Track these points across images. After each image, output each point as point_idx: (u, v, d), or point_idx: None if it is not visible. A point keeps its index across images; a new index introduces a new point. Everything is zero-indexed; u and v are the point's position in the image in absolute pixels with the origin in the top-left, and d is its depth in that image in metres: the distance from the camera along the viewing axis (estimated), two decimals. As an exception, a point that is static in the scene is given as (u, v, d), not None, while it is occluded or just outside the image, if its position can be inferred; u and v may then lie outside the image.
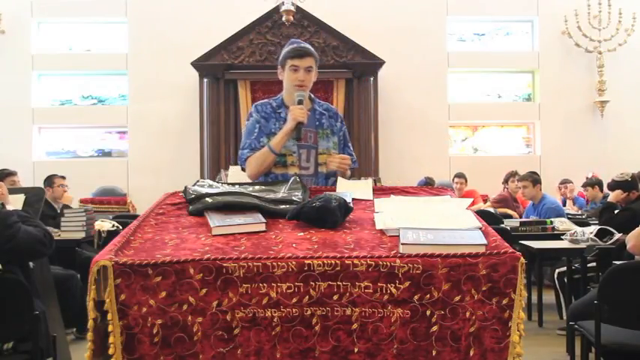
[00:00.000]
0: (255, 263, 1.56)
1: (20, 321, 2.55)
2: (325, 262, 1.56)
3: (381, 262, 1.56)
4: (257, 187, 2.20)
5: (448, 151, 8.96)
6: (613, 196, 4.93)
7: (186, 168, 8.29)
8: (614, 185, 4.88)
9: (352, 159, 2.81)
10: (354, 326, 1.56)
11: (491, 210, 6.46)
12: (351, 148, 2.94)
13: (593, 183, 7.20)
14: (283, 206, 1.98)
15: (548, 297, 5.24)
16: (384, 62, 8.04)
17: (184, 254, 1.60)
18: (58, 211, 5.48)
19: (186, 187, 2.14)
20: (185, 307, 1.54)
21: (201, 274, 1.55)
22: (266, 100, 2.88)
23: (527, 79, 9.38)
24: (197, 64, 8.13)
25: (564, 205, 7.49)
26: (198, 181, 2.29)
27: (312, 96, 2.91)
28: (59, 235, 4.85)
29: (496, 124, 9.34)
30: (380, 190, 2.36)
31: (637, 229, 3.11)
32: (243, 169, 2.83)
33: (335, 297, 1.56)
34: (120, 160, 9.02)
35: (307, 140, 2.78)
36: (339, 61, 8.09)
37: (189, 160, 8.43)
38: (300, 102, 2.71)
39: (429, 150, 8.70)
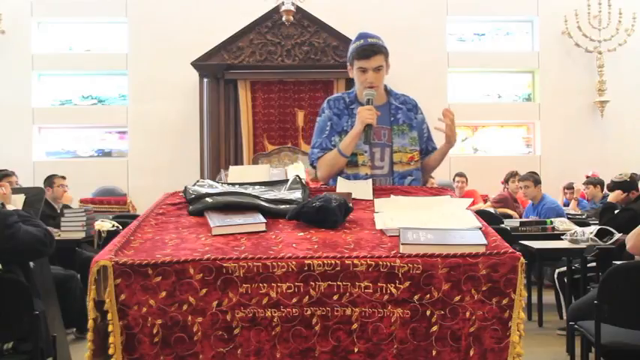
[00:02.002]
0: (255, 263, 1.56)
1: (20, 321, 2.55)
2: (325, 262, 1.56)
3: (381, 262, 1.56)
4: (257, 187, 2.20)
5: (448, 151, 8.95)
6: (613, 196, 4.93)
7: (186, 168, 8.29)
8: (613, 186, 4.88)
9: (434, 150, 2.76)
10: (354, 326, 1.56)
11: (491, 210, 6.46)
12: (434, 143, 2.81)
13: (595, 182, 7.19)
14: (283, 206, 1.98)
15: (548, 297, 5.24)
16: (384, 62, 8.03)
17: (184, 254, 1.60)
18: (58, 211, 5.48)
19: (186, 187, 2.14)
20: (185, 307, 1.54)
21: (201, 274, 1.55)
22: (339, 95, 2.75)
23: (527, 79, 9.38)
24: (197, 64, 8.13)
25: (568, 206, 7.49)
26: (198, 181, 2.29)
27: (389, 88, 2.75)
28: (59, 235, 4.84)
29: (496, 124, 9.33)
30: (380, 190, 2.35)
31: (636, 229, 3.11)
32: (313, 167, 2.72)
33: (335, 297, 1.56)
34: (120, 160, 9.02)
35: (381, 138, 2.64)
36: (339, 61, 8.08)
37: (189, 160, 8.43)
38: (368, 102, 2.55)
39: (429, 150, 8.68)
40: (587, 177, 7.63)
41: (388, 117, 2.67)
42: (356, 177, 2.58)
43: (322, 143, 2.65)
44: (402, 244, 1.61)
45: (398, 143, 2.64)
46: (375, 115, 2.51)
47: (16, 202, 3.28)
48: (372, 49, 2.58)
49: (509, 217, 6.38)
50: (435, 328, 1.56)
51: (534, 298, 5.08)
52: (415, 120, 2.71)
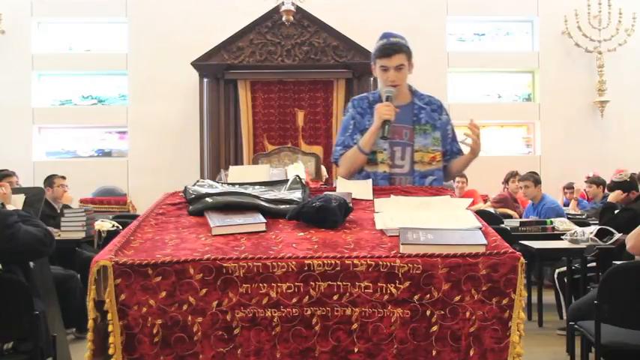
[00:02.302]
0: (255, 263, 1.56)
1: (20, 321, 2.55)
2: (325, 262, 1.56)
3: (381, 262, 1.56)
4: (257, 187, 2.20)
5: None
6: (613, 196, 4.93)
7: (186, 168, 8.29)
8: (613, 186, 4.89)
9: (459, 154, 2.75)
10: (354, 326, 1.56)
11: (491, 210, 6.46)
12: (458, 144, 2.80)
13: (597, 182, 7.19)
14: (283, 206, 1.98)
15: (548, 297, 5.24)
16: (384, 62, 8.02)
17: (184, 254, 1.60)
18: (58, 211, 5.48)
19: (186, 187, 2.14)
20: (185, 307, 1.54)
21: (201, 274, 1.55)
22: (364, 94, 2.79)
23: (527, 79, 9.38)
24: (197, 64, 8.13)
25: (568, 206, 7.48)
26: (198, 181, 2.29)
27: (414, 88, 2.78)
28: (59, 235, 4.84)
29: (496, 124, 9.33)
30: (380, 190, 2.35)
31: (636, 229, 3.11)
32: (336, 164, 2.78)
33: (335, 297, 1.56)
34: (120, 160, 9.02)
35: (403, 137, 2.67)
36: (339, 61, 8.09)
37: (189, 160, 8.43)
38: (388, 99, 2.59)
39: (429, 150, 8.68)
40: (588, 177, 7.62)
41: (411, 116, 2.69)
42: (375, 175, 2.62)
43: (345, 141, 2.70)
44: (402, 244, 1.61)
45: (419, 143, 2.67)
46: (392, 112, 2.55)
47: (16, 202, 3.29)
48: (393, 48, 2.64)
49: (509, 217, 6.38)
50: (435, 328, 1.56)
51: (534, 298, 5.08)
52: (439, 120, 2.72)
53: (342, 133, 2.74)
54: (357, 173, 2.67)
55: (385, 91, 2.63)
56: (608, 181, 6.00)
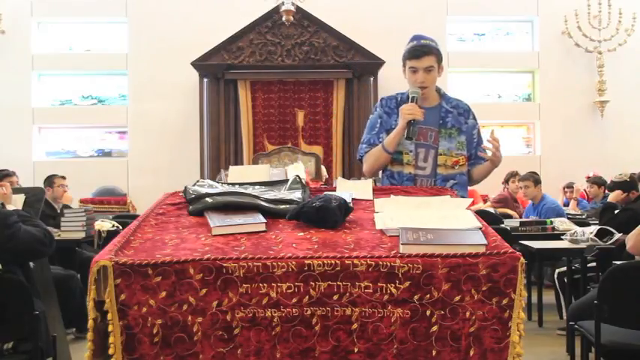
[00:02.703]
0: (255, 263, 1.56)
1: (20, 321, 2.55)
2: (325, 262, 1.56)
3: (381, 262, 1.56)
4: (257, 187, 2.20)
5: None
6: (613, 196, 4.93)
7: (186, 168, 8.30)
8: (613, 186, 4.88)
9: (483, 158, 2.73)
10: (354, 326, 1.56)
11: (491, 210, 6.46)
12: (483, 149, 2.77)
13: (599, 182, 7.19)
14: (283, 206, 1.98)
15: (548, 297, 5.24)
16: (384, 62, 8.03)
17: (184, 254, 1.60)
18: (58, 211, 5.48)
19: (186, 187, 2.14)
20: (185, 307, 1.54)
21: (201, 274, 1.55)
22: (393, 95, 2.81)
23: (527, 79, 9.37)
24: (197, 64, 8.13)
25: (567, 206, 7.48)
26: (198, 181, 2.29)
27: (442, 92, 2.81)
28: (59, 235, 4.84)
29: (496, 124, 9.32)
30: (380, 190, 2.35)
31: (636, 229, 3.11)
32: (361, 162, 2.83)
33: (335, 297, 1.56)
34: (120, 160, 9.02)
35: (427, 139, 2.68)
36: (339, 61, 8.09)
37: (189, 160, 8.43)
38: (413, 99, 2.62)
39: (429, 150, 8.68)
40: (589, 177, 7.62)
41: (437, 119, 2.71)
42: (400, 175, 2.67)
43: (370, 139, 2.74)
44: (402, 244, 1.61)
45: (444, 146, 2.68)
46: (417, 112, 2.58)
47: (16, 202, 3.28)
48: (422, 50, 2.68)
49: (509, 217, 6.38)
50: (435, 328, 1.57)
51: (534, 298, 5.08)
52: (465, 125, 2.74)
53: (368, 131, 2.78)
54: (381, 172, 2.73)
55: (411, 91, 2.65)
56: (608, 181, 6.00)
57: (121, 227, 5.31)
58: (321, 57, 8.12)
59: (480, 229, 1.75)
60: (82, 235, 5.02)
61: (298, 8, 7.72)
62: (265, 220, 1.84)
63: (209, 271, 1.55)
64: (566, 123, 8.95)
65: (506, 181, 7.39)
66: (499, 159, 2.70)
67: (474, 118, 2.78)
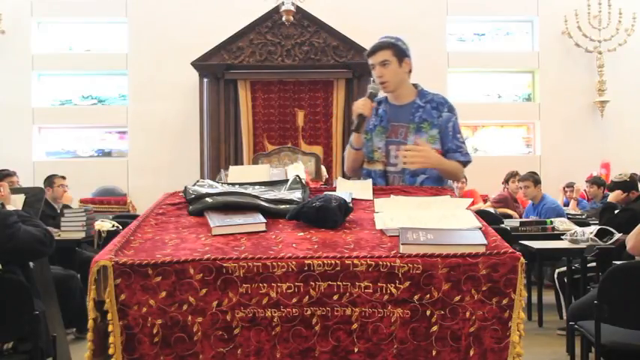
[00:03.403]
0: (255, 263, 1.56)
1: (20, 321, 2.55)
2: (325, 262, 1.56)
3: (381, 262, 1.56)
4: (257, 187, 2.20)
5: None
6: (613, 196, 4.93)
7: (186, 168, 8.29)
8: (613, 186, 4.88)
9: (458, 151, 2.66)
10: (354, 326, 1.56)
11: (491, 210, 6.46)
12: (462, 139, 2.73)
13: (599, 182, 7.20)
14: (283, 206, 1.98)
15: (548, 297, 5.24)
16: (384, 62, 8.02)
17: (184, 254, 1.60)
18: (58, 211, 5.48)
19: (186, 187, 2.14)
20: (185, 307, 1.54)
21: (201, 274, 1.55)
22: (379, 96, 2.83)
23: (527, 79, 9.38)
24: (197, 64, 8.13)
25: (567, 206, 7.49)
26: (198, 181, 2.29)
27: (420, 87, 2.79)
28: (59, 235, 4.84)
29: (496, 124, 9.34)
30: (380, 190, 2.35)
31: (635, 229, 3.11)
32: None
33: (335, 297, 1.56)
34: (120, 160, 9.02)
35: (398, 136, 2.70)
36: (339, 61, 8.09)
37: (189, 160, 8.43)
38: (370, 95, 2.64)
39: (429, 150, 8.68)
40: (591, 176, 7.62)
41: (408, 115, 2.71)
42: (374, 172, 2.69)
43: (351, 140, 2.78)
44: (402, 244, 1.61)
45: (412, 141, 2.67)
46: (366, 107, 2.61)
47: (16, 202, 3.28)
48: (376, 46, 2.71)
49: (509, 217, 6.38)
50: (435, 328, 1.56)
51: (534, 298, 5.08)
52: (440, 118, 2.70)
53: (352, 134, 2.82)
54: (359, 169, 2.78)
55: (369, 87, 2.69)
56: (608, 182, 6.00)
57: (121, 227, 5.31)
58: (321, 57, 8.12)
59: (480, 229, 1.75)
60: (82, 235, 5.02)
61: (298, 8, 7.72)
62: (265, 220, 1.84)
63: (209, 271, 1.55)
64: (566, 123, 8.95)
65: (506, 181, 7.39)
66: (417, 158, 2.59)
67: (450, 111, 2.71)
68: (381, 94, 2.81)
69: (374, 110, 2.72)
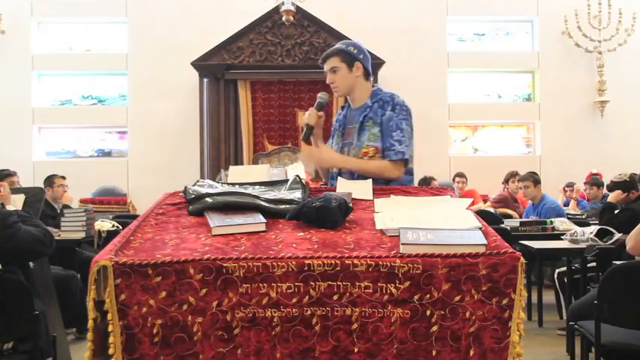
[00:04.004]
0: (255, 263, 1.56)
1: (20, 321, 2.55)
2: (325, 262, 1.56)
3: (381, 262, 1.56)
4: (257, 187, 2.20)
5: (448, 151, 8.96)
6: (612, 196, 4.93)
7: (186, 168, 8.29)
8: (613, 186, 4.88)
9: (391, 149, 2.60)
10: (354, 326, 1.56)
11: (491, 210, 6.46)
12: (398, 137, 2.64)
13: (597, 183, 7.19)
14: (283, 206, 1.98)
15: (548, 297, 5.24)
16: (384, 62, 8.03)
17: (184, 254, 1.60)
18: (58, 211, 5.48)
19: (186, 187, 2.14)
20: (185, 307, 1.54)
21: (201, 274, 1.55)
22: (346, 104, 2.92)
23: (527, 79, 9.38)
24: (197, 64, 8.13)
25: (567, 206, 7.49)
26: (198, 181, 2.29)
27: (375, 89, 2.78)
28: (59, 235, 4.85)
29: (496, 124, 9.34)
30: (380, 190, 2.35)
31: (635, 229, 3.11)
32: None
33: (335, 297, 1.56)
34: (120, 160, 9.02)
35: (349, 138, 2.77)
36: (339, 61, 8.07)
37: (189, 160, 8.43)
38: (318, 104, 2.72)
39: (429, 150, 8.68)
40: (592, 174, 7.62)
41: (358, 117, 2.76)
42: (332, 174, 2.77)
43: None
44: (402, 244, 1.61)
45: (355, 140, 2.73)
46: (311, 117, 2.70)
47: (16, 202, 3.28)
48: (325, 55, 2.81)
49: (509, 217, 6.38)
50: (435, 328, 1.56)
51: (534, 298, 5.08)
52: (383, 116, 2.68)
53: None
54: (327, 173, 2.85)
55: (318, 96, 2.77)
56: (607, 182, 5.99)
57: (121, 227, 5.31)
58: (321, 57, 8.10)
59: (480, 229, 1.75)
60: (82, 235, 5.02)
61: (298, 8, 7.72)
62: (265, 220, 1.84)
63: (209, 271, 1.55)
64: (566, 123, 8.95)
65: (506, 181, 7.40)
66: (315, 163, 2.73)
67: (394, 109, 2.67)
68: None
69: (339, 116, 2.84)
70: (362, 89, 2.79)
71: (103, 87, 9.20)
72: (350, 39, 2.89)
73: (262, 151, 8.15)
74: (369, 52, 2.89)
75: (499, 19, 9.30)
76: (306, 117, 2.71)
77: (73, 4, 8.80)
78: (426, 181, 6.75)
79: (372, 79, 2.84)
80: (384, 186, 2.54)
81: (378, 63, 8.11)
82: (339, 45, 2.82)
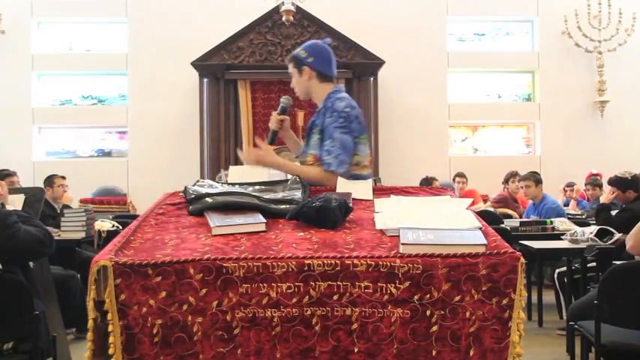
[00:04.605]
0: (255, 263, 1.56)
1: (20, 321, 2.55)
2: (325, 262, 1.56)
3: (381, 262, 1.56)
4: (257, 187, 2.20)
5: (448, 151, 8.96)
6: (605, 196, 4.91)
7: (186, 168, 8.29)
8: (613, 181, 4.85)
9: (323, 158, 2.49)
10: (354, 326, 1.56)
11: (491, 210, 6.46)
12: (328, 147, 2.53)
13: (598, 184, 7.19)
14: (283, 206, 1.98)
15: (548, 297, 5.24)
16: (384, 62, 8.04)
17: (184, 254, 1.60)
18: (58, 211, 5.48)
19: (186, 187, 2.14)
20: (185, 307, 1.54)
21: (201, 274, 1.55)
22: None
23: (527, 79, 9.38)
24: (197, 64, 8.12)
25: (567, 206, 7.49)
26: (198, 181, 2.29)
27: (330, 94, 2.70)
28: (59, 235, 4.85)
29: (496, 124, 9.34)
30: (380, 190, 2.35)
31: (634, 229, 3.11)
32: None
33: (335, 297, 1.56)
34: (120, 160, 9.01)
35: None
36: (339, 61, 8.02)
37: (189, 160, 8.42)
38: (281, 109, 2.74)
39: (429, 150, 8.70)
40: (592, 174, 7.62)
41: (311, 124, 2.74)
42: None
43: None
44: (402, 244, 1.61)
45: (302, 148, 2.73)
46: (273, 121, 2.72)
47: (15, 202, 3.28)
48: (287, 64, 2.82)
49: (510, 217, 6.38)
50: (435, 328, 1.57)
51: (534, 298, 5.08)
52: (324, 123, 2.61)
53: None
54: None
55: (281, 101, 2.79)
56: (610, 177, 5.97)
57: (121, 227, 5.31)
58: (321, 57, 8.10)
59: (480, 229, 1.75)
60: (82, 235, 5.02)
61: (298, 8, 7.72)
62: (265, 220, 1.84)
63: (209, 271, 1.55)
64: (566, 123, 8.95)
65: (506, 181, 7.39)
66: (255, 162, 2.60)
67: (334, 116, 2.57)
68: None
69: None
70: (319, 92, 2.72)
71: (103, 87, 9.20)
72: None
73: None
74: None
75: (499, 19, 9.30)
76: (270, 122, 2.72)
77: (73, 4, 8.80)
78: (428, 182, 6.75)
79: (335, 80, 2.76)
80: (384, 186, 2.54)
81: (378, 63, 8.12)
82: (297, 50, 2.82)
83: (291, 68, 2.78)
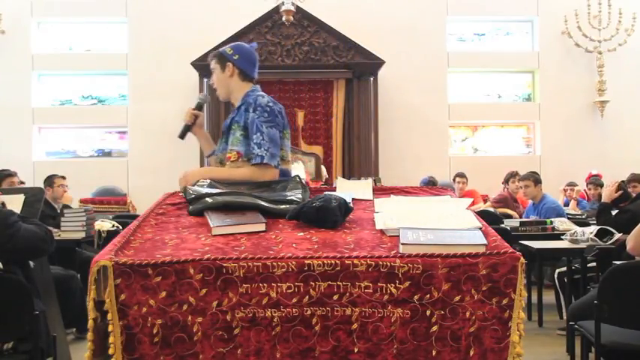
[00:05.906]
0: (255, 263, 1.56)
1: (20, 321, 2.55)
2: (325, 262, 1.56)
3: (381, 262, 1.56)
4: (257, 187, 2.20)
5: (448, 151, 8.96)
6: (606, 195, 4.90)
7: (186, 168, 8.19)
8: (633, 178, 4.80)
9: (252, 153, 2.44)
10: (354, 326, 1.56)
11: (491, 210, 6.46)
12: (258, 140, 2.47)
13: (598, 183, 7.19)
14: (283, 206, 1.98)
15: (548, 297, 5.24)
16: (384, 62, 8.04)
17: (184, 254, 1.60)
18: (58, 211, 5.47)
19: (186, 187, 2.14)
20: (185, 307, 1.54)
21: (201, 274, 1.55)
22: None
23: (527, 79, 9.38)
24: (197, 64, 8.12)
25: (567, 206, 7.48)
26: (198, 181, 2.29)
27: (249, 92, 2.71)
28: (59, 235, 4.84)
29: (496, 124, 9.34)
30: (380, 190, 2.35)
31: (634, 230, 3.11)
32: None
33: (335, 297, 1.56)
34: (120, 160, 9.02)
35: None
36: (339, 61, 8.08)
37: (189, 160, 8.41)
38: (197, 105, 2.77)
39: (429, 150, 8.70)
40: (592, 175, 7.61)
41: (228, 120, 2.74)
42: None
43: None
44: (402, 244, 1.61)
45: (221, 145, 2.68)
46: (187, 115, 2.75)
47: (14, 202, 3.27)
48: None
49: (509, 217, 6.38)
50: (435, 328, 1.57)
51: (534, 298, 5.08)
52: (247, 119, 2.59)
53: None
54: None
55: (198, 97, 2.82)
56: (606, 181, 5.97)
57: (121, 227, 5.31)
58: (320, 57, 8.11)
59: (480, 229, 1.75)
60: (82, 235, 5.01)
61: (298, 8, 7.72)
62: (265, 220, 1.84)
63: (209, 271, 1.55)
64: (566, 123, 8.95)
65: (506, 181, 7.39)
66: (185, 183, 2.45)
67: (255, 111, 2.55)
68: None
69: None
70: (238, 91, 2.75)
71: (103, 87, 9.20)
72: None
73: (262, 151, 8.13)
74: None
75: (499, 19, 9.30)
76: (184, 115, 2.74)
77: (73, 4, 8.80)
78: (433, 183, 6.76)
79: (253, 81, 2.81)
80: (384, 186, 2.54)
81: (378, 63, 8.13)
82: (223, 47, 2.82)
83: (213, 64, 2.76)
